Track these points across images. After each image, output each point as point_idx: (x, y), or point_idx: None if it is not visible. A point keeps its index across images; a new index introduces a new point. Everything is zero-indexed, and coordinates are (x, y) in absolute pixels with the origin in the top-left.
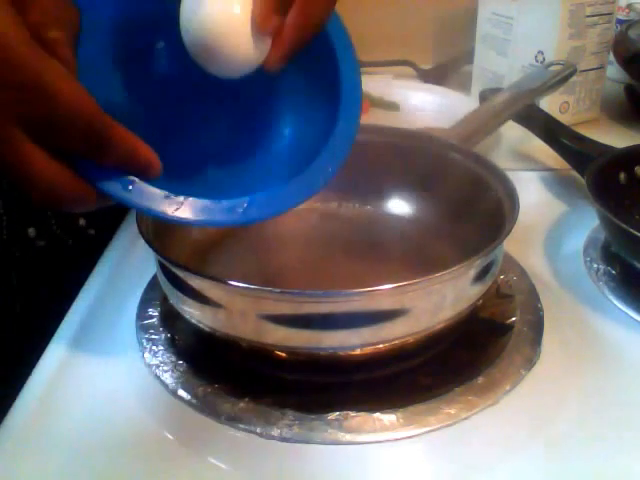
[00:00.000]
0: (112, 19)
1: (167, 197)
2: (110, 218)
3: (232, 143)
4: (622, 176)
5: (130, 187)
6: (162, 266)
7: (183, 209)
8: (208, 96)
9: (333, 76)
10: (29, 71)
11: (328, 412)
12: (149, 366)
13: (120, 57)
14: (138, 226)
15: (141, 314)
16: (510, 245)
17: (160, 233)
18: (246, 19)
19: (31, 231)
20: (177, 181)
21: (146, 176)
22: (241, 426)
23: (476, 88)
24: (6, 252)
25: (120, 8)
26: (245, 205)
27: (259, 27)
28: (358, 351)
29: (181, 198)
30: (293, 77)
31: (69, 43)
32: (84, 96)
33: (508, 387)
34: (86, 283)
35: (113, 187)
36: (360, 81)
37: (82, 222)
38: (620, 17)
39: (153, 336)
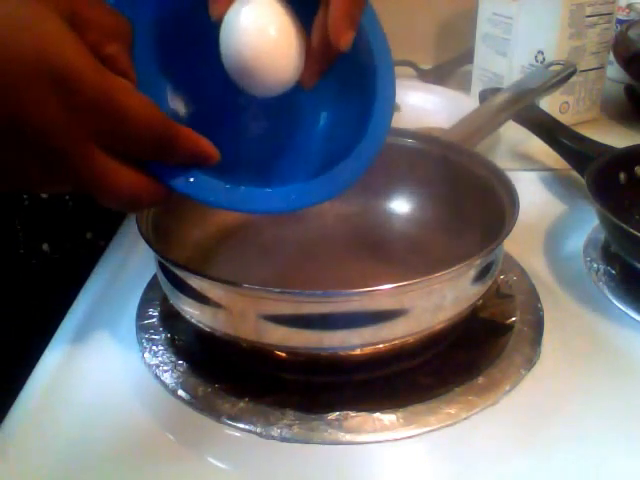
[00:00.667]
0: (154, 18)
1: (228, 188)
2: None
3: (269, 134)
4: (622, 176)
5: (192, 180)
6: (162, 266)
7: (245, 199)
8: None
9: (369, 72)
10: (99, 93)
11: (328, 412)
12: (149, 366)
13: (164, 53)
14: (138, 226)
15: (141, 314)
16: (510, 245)
17: (160, 233)
18: (283, 42)
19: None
20: (224, 171)
21: (206, 165)
22: (241, 426)
23: (476, 88)
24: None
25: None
26: (297, 193)
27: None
28: (358, 351)
29: (241, 188)
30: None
31: (126, 55)
32: (150, 106)
33: (508, 387)
34: (86, 283)
35: (179, 183)
36: (394, 78)
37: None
38: (620, 17)
39: (153, 336)
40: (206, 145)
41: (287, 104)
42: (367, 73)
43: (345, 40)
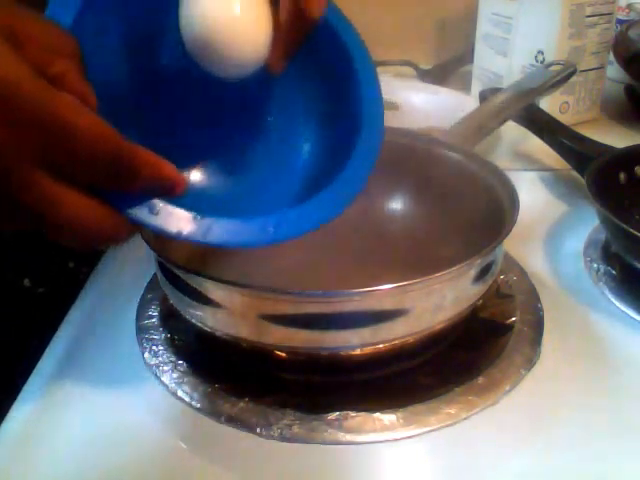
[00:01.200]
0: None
1: (195, 219)
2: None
3: (251, 160)
4: (622, 176)
5: (157, 210)
6: (162, 266)
7: (214, 231)
8: (227, 111)
9: (353, 91)
10: (41, 108)
11: (328, 412)
12: (149, 366)
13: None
14: None
15: (141, 314)
16: (510, 245)
17: None
18: (249, 14)
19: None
20: (196, 202)
21: (173, 195)
22: (241, 426)
23: (476, 88)
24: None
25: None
26: (275, 223)
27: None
28: (358, 351)
29: (208, 220)
30: (311, 92)
31: (76, 73)
32: (102, 126)
33: (508, 387)
34: (86, 283)
35: (141, 214)
36: (380, 96)
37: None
38: (620, 17)
39: (153, 336)
40: (170, 171)
41: (269, 129)
42: (349, 84)
43: (319, 4)
